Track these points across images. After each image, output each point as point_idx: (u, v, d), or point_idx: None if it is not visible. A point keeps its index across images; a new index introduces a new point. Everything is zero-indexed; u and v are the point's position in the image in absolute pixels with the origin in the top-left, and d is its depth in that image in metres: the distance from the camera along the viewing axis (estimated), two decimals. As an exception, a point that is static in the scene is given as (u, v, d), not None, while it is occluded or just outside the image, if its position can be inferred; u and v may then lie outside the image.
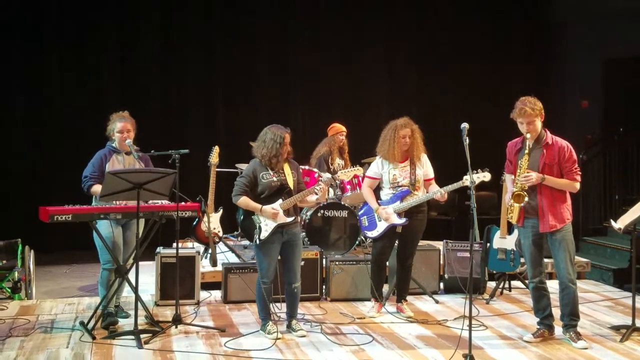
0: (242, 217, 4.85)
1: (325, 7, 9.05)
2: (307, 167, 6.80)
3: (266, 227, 4.70)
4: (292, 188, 4.78)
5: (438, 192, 5.12)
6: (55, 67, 8.34)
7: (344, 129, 7.24)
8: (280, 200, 4.73)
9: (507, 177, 4.92)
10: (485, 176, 4.91)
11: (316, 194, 4.80)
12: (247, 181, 4.76)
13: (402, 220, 5.20)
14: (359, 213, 5.52)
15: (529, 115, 4.55)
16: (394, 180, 5.25)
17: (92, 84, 8.44)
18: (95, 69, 8.43)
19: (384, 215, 5.20)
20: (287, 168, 4.81)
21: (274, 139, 4.71)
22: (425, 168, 5.31)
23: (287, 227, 4.76)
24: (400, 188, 5.24)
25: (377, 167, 5.33)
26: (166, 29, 8.67)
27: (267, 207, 4.69)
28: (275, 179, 4.74)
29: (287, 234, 4.78)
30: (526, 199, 4.56)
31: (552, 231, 4.62)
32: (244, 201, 4.74)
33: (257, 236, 4.70)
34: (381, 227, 5.27)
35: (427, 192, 5.29)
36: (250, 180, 4.75)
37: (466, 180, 4.86)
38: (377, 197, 5.37)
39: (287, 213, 4.74)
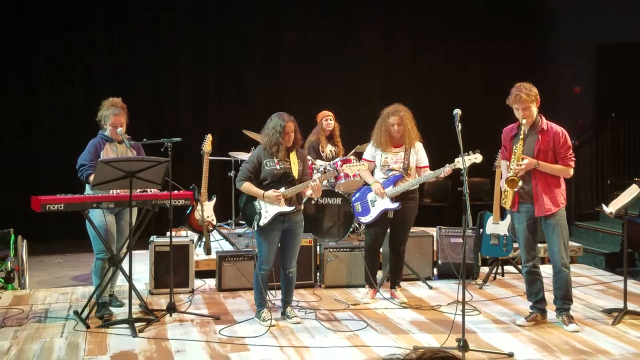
0: (244, 202, 4.85)
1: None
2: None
3: (266, 213, 4.70)
4: (295, 177, 4.77)
5: (441, 171, 5.06)
6: (48, 56, 8.26)
7: (330, 113, 7.20)
8: (282, 189, 4.72)
9: (503, 163, 4.93)
10: (477, 158, 4.90)
11: (312, 188, 4.78)
12: (251, 167, 4.75)
13: (395, 205, 5.22)
14: (352, 199, 5.53)
15: (524, 101, 4.56)
16: (385, 163, 5.26)
17: (84, 73, 8.37)
18: (87, 57, 8.36)
19: (379, 190, 5.19)
20: (293, 157, 4.80)
21: (274, 128, 4.70)
22: (419, 155, 5.31)
23: (289, 215, 4.76)
24: (393, 172, 5.25)
25: (371, 150, 5.36)
26: (158, 17, 8.60)
27: (270, 192, 4.68)
28: (278, 166, 4.73)
29: (288, 222, 4.77)
30: (520, 184, 4.58)
31: (546, 215, 4.64)
32: (247, 187, 4.74)
33: (257, 222, 4.70)
34: (374, 212, 5.29)
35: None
36: (254, 166, 4.75)
37: (458, 162, 4.87)
38: None
39: (288, 202, 4.73)
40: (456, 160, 4.88)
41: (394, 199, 5.22)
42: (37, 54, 8.25)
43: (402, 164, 5.24)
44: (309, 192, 4.89)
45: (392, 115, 5.21)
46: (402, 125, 5.21)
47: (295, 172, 4.77)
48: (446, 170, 5.06)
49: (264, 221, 4.70)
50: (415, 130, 5.29)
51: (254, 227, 4.74)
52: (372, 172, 5.40)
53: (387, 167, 5.27)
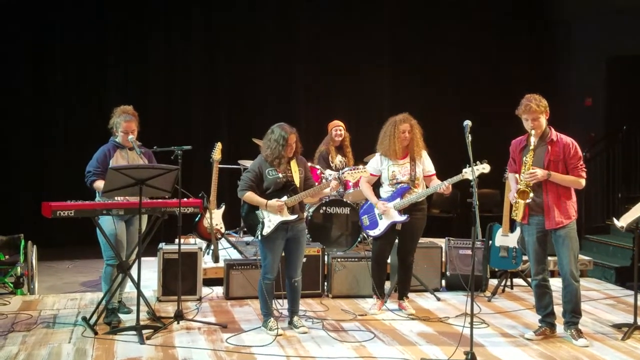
0: (245, 212, 4.84)
1: (328, 5, 9.02)
2: (309, 164, 6.78)
3: (269, 222, 4.69)
4: (297, 185, 4.77)
5: (442, 185, 5.10)
6: (59, 63, 8.36)
7: (340, 123, 7.21)
8: (285, 197, 4.73)
9: (510, 176, 4.91)
10: (485, 168, 4.89)
11: (329, 186, 4.81)
12: (252, 176, 4.74)
13: (403, 218, 5.20)
14: (360, 212, 5.51)
15: (534, 111, 4.56)
16: (393, 177, 5.25)
17: (95, 80, 8.45)
18: (98, 65, 8.44)
19: (382, 208, 5.20)
20: (294, 165, 4.80)
21: (277, 141, 4.68)
22: (425, 164, 5.30)
23: (292, 223, 4.75)
24: (400, 185, 5.24)
25: (377, 163, 5.33)
26: (169, 26, 8.68)
27: (273, 201, 4.67)
28: (280, 175, 4.73)
29: (291, 231, 4.77)
30: (531, 195, 4.57)
31: (557, 228, 4.61)
32: (250, 196, 4.73)
33: (260, 231, 4.69)
34: (383, 225, 5.27)
35: (427, 188, 5.28)
36: (256, 175, 4.74)
37: (466, 173, 4.88)
38: (377, 195, 5.37)
39: (291, 210, 4.73)
40: (464, 171, 4.89)
41: (402, 211, 5.21)
42: (50, 62, 8.34)
43: (409, 176, 5.24)
44: (327, 190, 4.89)
45: (403, 122, 5.21)
46: (411, 132, 5.22)
47: (297, 181, 4.77)
48: (446, 184, 5.06)
49: (267, 230, 4.69)
50: (421, 140, 5.29)
51: (257, 237, 4.73)
52: (379, 187, 5.39)
53: (395, 180, 5.25)
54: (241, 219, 4.90)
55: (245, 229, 5.14)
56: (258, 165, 4.77)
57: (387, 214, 5.21)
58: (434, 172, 5.34)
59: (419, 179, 5.26)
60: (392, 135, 5.20)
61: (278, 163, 4.72)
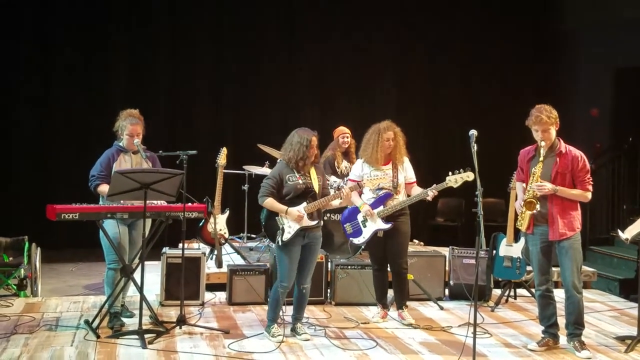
0: (264, 218, 4.83)
1: (334, 8, 9.04)
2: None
3: (289, 229, 4.70)
4: (317, 192, 4.78)
5: (427, 192, 5.10)
6: (61, 65, 8.38)
7: (346, 130, 7.20)
8: (304, 204, 4.74)
9: (518, 185, 4.90)
10: (469, 176, 4.90)
11: (341, 198, 4.82)
12: (273, 182, 4.76)
13: (387, 225, 5.17)
14: (342, 220, 5.47)
15: (545, 123, 4.54)
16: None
17: (99, 83, 8.46)
18: (102, 68, 8.47)
19: (369, 213, 5.17)
20: (313, 172, 4.82)
21: (300, 142, 4.72)
22: (407, 171, 5.30)
23: (310, 230, 4.76)
24: (382, 191, 5.22)
25: (358, 169, 5.32)
26: (173, 29, 8.71)
27: (293, 210, 4.68)
28: (301, 181, 4.75)
29: (308, 237, 4.78)
30: (538, 206, 4.55)
31: (560, 239, 4.60)
32: (270, 202, 4.74)
33: (280, 237, 4.69)
34: (367, 233, 5.24)
35: (408, 195, 5.26)
36: (276, 182, 4.76)
37: (449, 181, 4.96)
38: None
39: (310, 216, 4.74)
40: (447, 179, 4.95)
41: (384, 218, 5.19)
42: (54, 66, 8.36)
43: (391, 182, 5.22)
44: (337, 202, 4.89)
45: (387, 130, 5.23)
46: (395, 140, 5.22)
47: (316, 187, 4.79)
48: (433, 192, 5.06)
49: (287, 236, 4.69)
50: (404, 147, 5.29)
51: (278, 243, 4.72)
52: (361, 194, 5.35)
53: (377, 185, 5.23)
54: (261, 225, 4.90)
55: (266, 235, 5.14)
56: (278, 172, 4.79)
57: (372, 220, 5.19)
58: (414, 179, 5.33)
59: (401, 185, 5.25)
60: (375, 143, 5.21)
61: (302, 165, 4.74)
